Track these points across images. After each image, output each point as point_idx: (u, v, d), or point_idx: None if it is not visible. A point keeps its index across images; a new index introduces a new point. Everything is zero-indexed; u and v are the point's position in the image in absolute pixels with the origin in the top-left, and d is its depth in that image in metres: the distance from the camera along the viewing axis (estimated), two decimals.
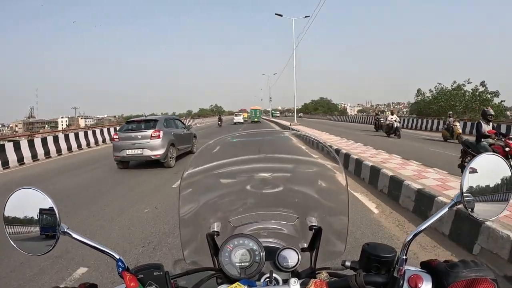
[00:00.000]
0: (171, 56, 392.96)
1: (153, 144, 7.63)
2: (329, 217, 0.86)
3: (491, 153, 0.64)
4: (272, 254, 0.71)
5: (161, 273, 0.64)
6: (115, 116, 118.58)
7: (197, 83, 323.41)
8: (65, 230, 0.60)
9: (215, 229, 0.81)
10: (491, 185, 0.62)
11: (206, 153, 0.87)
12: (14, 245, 0.60)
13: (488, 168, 0.62)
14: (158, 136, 7.70)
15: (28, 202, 0.60)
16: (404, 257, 0.59)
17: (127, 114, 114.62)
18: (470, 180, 0.61)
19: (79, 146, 13.31)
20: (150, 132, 7.70)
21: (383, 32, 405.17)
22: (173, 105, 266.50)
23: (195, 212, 0.85)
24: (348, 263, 0.66)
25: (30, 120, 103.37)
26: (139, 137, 7.73)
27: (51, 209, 0.59)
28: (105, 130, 16.16)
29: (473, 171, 0.62)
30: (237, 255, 0.68)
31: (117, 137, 7.96)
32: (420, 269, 0.62)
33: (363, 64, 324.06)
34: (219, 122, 31.14)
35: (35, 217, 0.60)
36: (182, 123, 9.81)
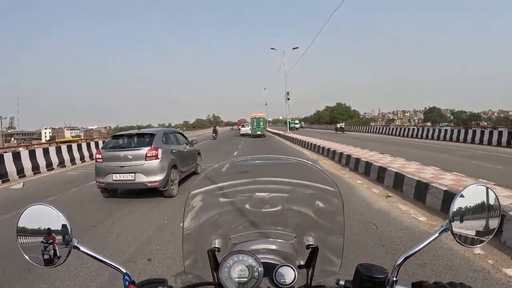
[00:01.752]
0: (167, 65, 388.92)
1: (149, 167, 5.71)
2: (325, 237, 0.89)
3: (480, 183, 0.69)
4: (270, 270, 0.73)
5: (165, 287, 0.68)
6: (105, 128, 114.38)
7: (195, 93, 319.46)
8: (75, 244, 0.65)
9: (216, 246, 0.84)
10: (479, 214, 0.67)
11: (211, 175, 0.89)
12: (27, 258, 0.64)
13: (476, 197, 0.67)
14: (156, 156, 5.79)
15: (41, 218, 0.64)
16: (394, 278, 0.65)
17: (120, 126, 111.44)
18: (459, 208, 0.67)
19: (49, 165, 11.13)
20: (145, 150, 5.78)
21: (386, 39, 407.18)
22: (169, 116, 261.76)
23: (198, 229, 0.88)
24: (342, 282, 0.71)
25: (9, 131, 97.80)
26: (130, 157, 5.79)
27: (63, 224, 0.64)
28: (83, 146, 13.58)
29: (462, 200, 0.67)
30: (236, 271, 0.70)
31: (100, 156, 6.00)
32: None
33: (367, 70, 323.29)
34: (214, 135, 26.88)
35: (48, 232, 0.64)
36: (185, 137, 7.90)
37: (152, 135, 6.08)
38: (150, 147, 5.79)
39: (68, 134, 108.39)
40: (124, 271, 0.67)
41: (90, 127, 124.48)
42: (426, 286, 0.65)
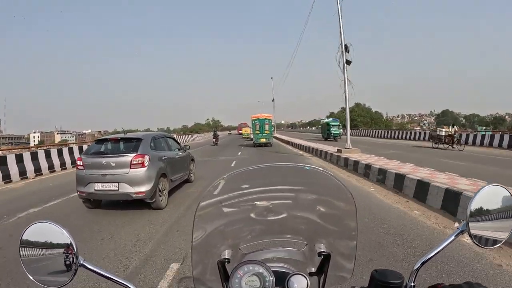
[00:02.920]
0: (165, 69, 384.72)
1: (134, 176, 5.07)
2: (337, 243, 0.87)
3: (496, 184, 0.69)
4: (281, 279, 0.72)
5: None
6: (99, 132, 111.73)
7: (194, 97, 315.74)
8: (82, 262, 0.63)
9: (226, 257, 0.83)
10: (495, 214, 0.67)
11: (219, 185, 0.85)
12: (32, 278, 0.62)
13: (493, 198, 0.67)
14: (142, 164, 5.15)
15: (45, 236, 0.62)
16: (412, 284, 0.65)
17: (117, 130, 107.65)
18: (476, 209, 0.67)
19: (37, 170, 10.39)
20: (130, 157, 5.14)
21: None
22: (167, 120, 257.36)
23: (206, 240, 0.86)
24: None
25: None
26: (113, 164, 5.14)
27: (68, 242, 0.62)
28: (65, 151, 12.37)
29: (479, 200, 0.67)
30: (247, 281, 0.70)
31: (81, 163, 5.35)
32: None
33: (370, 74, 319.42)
34: (214, 140, 24.18)
35: (52, 250, 0.62)
36: (177, 142, 7.25)
37: (139, 140, 5.45)
38: (135, 154, 5.16)
39: (58, 138, 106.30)
40: None
41: (84, 131, 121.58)
42: None
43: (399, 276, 0.65)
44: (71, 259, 0.62)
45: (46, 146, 15.75)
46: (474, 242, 0.67)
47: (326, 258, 0.80)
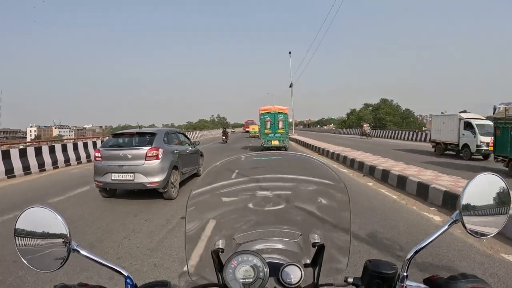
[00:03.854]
0: (168, 62, 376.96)
1: (148, 168, 5.47)
2: (331, 234, 0.88)
3: (489, 172, 0.67)
4: (275, 270, 0.72)
5: None
6: (101, 127, 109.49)
7: (199, 93, 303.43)
8: (75, 247, 0.63)
9: (220, 246, 0.82)
10: (489, 203, 0.66)
11: (212, 173, 0.88)
12: (25, 262, 0.62)
13: (486, 187, 0.66)
14: (156, 157, 5.56)
15: (39, 220, 0.62)
16: (405, 273, 0.64)
17: (121, 124, 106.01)
18: (469, 199, 0.65)
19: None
20: (145, 150, 5.55)
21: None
22: (171, 116, 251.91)
23: (200, 229, 0.87)
24: (350, 280, 0.70)
25: None
26: (130, 156, 5.55)
27: (61, 227, 0.62)
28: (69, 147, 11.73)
29: (472, 189, 0.65)
30: (241, 271, 0.70)
31: (99, 155, 5.76)
32: (422, 285, 0.65)
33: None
34: (224, 137, 23.94)
35: (46, 235, 0.63)
36: (187, 137, 7.69)
37: (153, 134, 5.86)
38: (150, 147, 5.57)
39: (56, 133, 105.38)
40: (126, 274, 0.66)
41: (85, 126, 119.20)
42: (437, 279, 0.64)
43: (392, 266, 0.66)
44: (65, 244, 0.62)
45: (32, 142, 14.47)
46: (467, 232, 0.65)
47: (320, 249, 0.80)
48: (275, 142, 14.85)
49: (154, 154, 5.55)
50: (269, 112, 15.13)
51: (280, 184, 1.00)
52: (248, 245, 0.86)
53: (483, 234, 0.66)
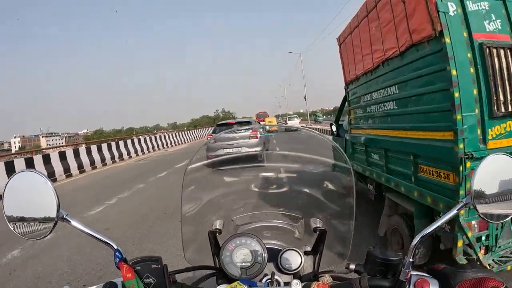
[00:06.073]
0: (170, 58, 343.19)
1: (251, 143, 8.44)
2: (334, 220, 0.86)
3: (501, 153, 0.62)
4: (274, 255, 0.70)
5: (159, 266, 0.63)
6: (96, 132, 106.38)
7: (202, 87, 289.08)
8: (64, 216, 0.60)
9: (217, 227, 0.81)
10: (502, 186, 0.60)
11: (212, 147, 0.83)
12: (11, 228, 0.60)
13: (498, 169, 0.61)
14: (256, 136, 8.57)
15: (28, 185, 0.59)
16: (410, 259, 0.58)
17: (111, 128, 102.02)
18: (480, 182, 0.60)
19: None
20: (248, 132, 8.53)
21: None
22: (174, 114, 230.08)
23: (198, 210, 0.86)
24: (352, 266, 0.65)
25: None
26: (237, 137, 8.55)
27: (51, 193, 0.59)
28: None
29: (484, 171, 0.60)
30: (238, 255, 0.68)
31: (212, 138, 8.74)
32: (426, 274, 0.61)
33: None
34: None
35: (35, 201, 0.60)
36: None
37: (249, 122, 8.90)
38: (252, 129, 8.55)
39: (44, 143, 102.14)
40: (115, 247, 0.63)
41: (78, 132, 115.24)
42: (442, 268, 0.60)
43: (396, 253, 0.62)
44: (53, 211, 0.59)
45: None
46: (480, 216, 0.61)
47: (321, 235, 0.79)
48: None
49: (255, 135, 8.55)
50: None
51: (285, 165, 1.02)
52: (246, 227, 0.86)
53: (495, 219, 0.62)
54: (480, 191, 0.60)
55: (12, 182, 0.60)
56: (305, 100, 25.04)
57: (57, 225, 0.60)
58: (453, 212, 0.62)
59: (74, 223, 0.62)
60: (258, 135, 8.69)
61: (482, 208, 0.60)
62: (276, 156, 1.08)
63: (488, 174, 0.61)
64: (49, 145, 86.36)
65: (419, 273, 0.61)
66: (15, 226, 0.60)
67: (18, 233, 0.60)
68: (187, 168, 0.81)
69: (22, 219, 0.60)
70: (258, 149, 8.97)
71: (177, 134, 23.71)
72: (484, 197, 0.60)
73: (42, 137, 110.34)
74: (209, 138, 8.79)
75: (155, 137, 19.18)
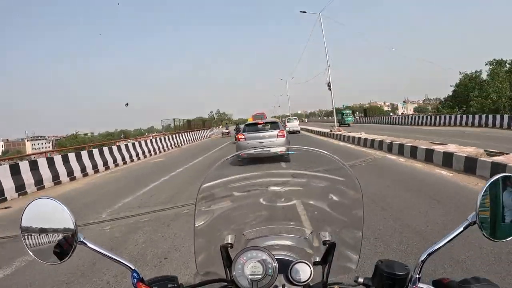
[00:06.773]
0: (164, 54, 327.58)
1: (279, 142, 9.15)
2: (343, 232, 0.89)
3: (507, 174, 0.64)
4: (285, 267, 0.72)
5: (175, 285, 0.67)
6: (92, 133, 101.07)
7: (195, 88, 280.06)
8: (82, 239, 0.63)
9: (229, 241, 0.83)
10: (507, 205, 0.63)
11: (223, 167, 0.93)
12: (31, 253, 0.62)
13: (502, 188, 0.63)
14: (283, 135, 9.28)
15: (45, 212, 0.63)
16: (418, 275, 0.61)
17: (104, 130, 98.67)
18: (486, 200, 0.62)
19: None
20: (276, 132, 9.25)
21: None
22: (171, 113, 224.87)
23: (210, 224, 0.90)
24: (361, 279, 0.68)
25: None
26: (266, 136, 9.24)
27: (68, 219, 0.62)
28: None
29: (489, 190, 0.62)
30: (249, 268, 0.70)
31: (243, 137, 9.34)
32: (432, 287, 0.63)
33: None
34: (227, 132, 27.45)
35: (52, 227, 0.63)
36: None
37: (276, 123, 9.69)
38: (279, 130, 9.29)
39: (29, 147, 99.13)
40: (133, 268, 0.65)
41: (68, 134, 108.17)
42: (448, 283, 0.63)
43: (404, 267, 0.64)
44: (71, 236, 0.62)
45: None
46: (484, 235, 0.62)
47: (331, 247, 0.80)
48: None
49: (282, 134, 9.25)
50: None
51: (293, 180, 1.03)
52: (257, 241, 0.87)
53: (501, 237, 0.64)
54: (486, 210, 0.63)
55: (29, 210, 0.63)
56: (329, 88, 19.79)
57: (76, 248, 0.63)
58: (460, 229, 0.64)
59: (91, 246, 0.65)
60: (286, 134, 9.44)
61: (487, 227, 0.63)
62: (283, 172, 1.14)
63: (493, 194, 0.63)
64: (35, 149, 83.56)
65: (425, 287, 0.63)
66: (35, 252, 0.63)
67: (38, 259, 0.63)
68: (201, 186, 0.86)
69: (41, 245, 0.63)
70: (284, 149, 9.87)
71: (168, 137, 20.89)
72: (490, 216, 0.63)
73: (27, 141, 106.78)
74: (240, 136, 9.47)
75: (140, 143, 16.14)
